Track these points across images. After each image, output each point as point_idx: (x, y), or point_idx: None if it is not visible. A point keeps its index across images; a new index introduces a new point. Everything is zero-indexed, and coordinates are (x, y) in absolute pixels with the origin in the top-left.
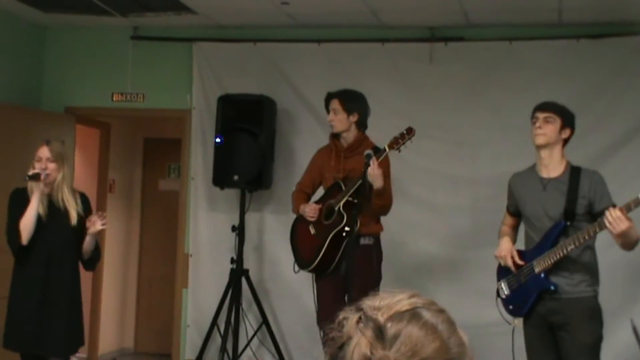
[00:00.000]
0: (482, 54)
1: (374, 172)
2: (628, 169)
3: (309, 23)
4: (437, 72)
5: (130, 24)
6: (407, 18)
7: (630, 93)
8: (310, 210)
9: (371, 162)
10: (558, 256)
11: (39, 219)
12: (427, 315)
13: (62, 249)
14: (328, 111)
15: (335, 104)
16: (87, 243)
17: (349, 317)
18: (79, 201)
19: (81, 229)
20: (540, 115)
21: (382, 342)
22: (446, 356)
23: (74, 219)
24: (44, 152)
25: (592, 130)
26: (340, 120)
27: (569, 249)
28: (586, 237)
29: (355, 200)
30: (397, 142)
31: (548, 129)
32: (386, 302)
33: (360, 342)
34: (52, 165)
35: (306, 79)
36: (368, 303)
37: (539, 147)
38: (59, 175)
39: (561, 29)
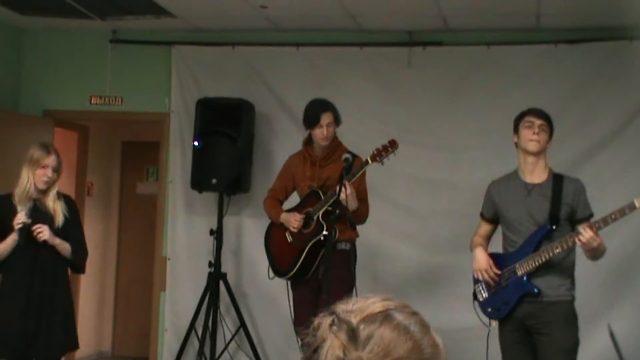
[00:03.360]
0: (461, 58)
1: (347, 197)
2: (605, 173)
3: (288, 27)
4: (416, 76)
5: (109, 27)
6: (385, 22)
7: (608, 98)
8: (295, 220)
9: (342, 187)
10: (543, 259)
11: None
12: (399, 317)
13: (47, 254)
14: (313, 125)
15: (330, 117)
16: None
17: (322, 322)
18: (63, 204)
19: (67, 231)
20: (536, 122)
21: (355, 344)
22: (419, 357)
23: (59, 221)
24: (51, 161)
25: (570, 135)
26: (332, 133)
27: (556, 252)
28: (569, 245)
29: (337, 210)
30: (379, 155)
31: (542, 137)
32: (359, 305)
33: (333, 344)
34: (54, 176)
35: (285, 82)
36: (341, 307)
37: (530, 154)
38: (52, 182)
39: (539, 34)
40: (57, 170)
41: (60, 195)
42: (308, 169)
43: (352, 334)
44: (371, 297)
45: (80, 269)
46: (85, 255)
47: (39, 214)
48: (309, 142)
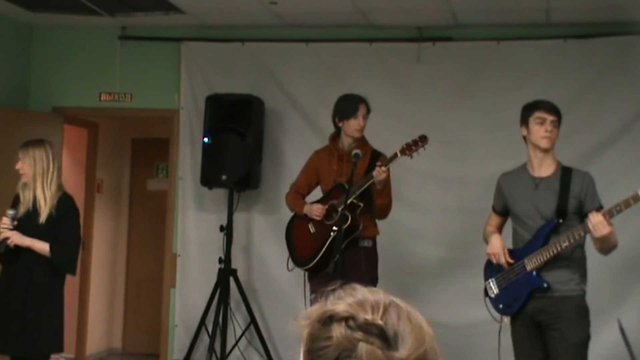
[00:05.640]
0: (470, 54)
1: (380, 175)
2: (614, 169)
3: (297, 23)
4: (425, 72)
5: (118, 24)
6: (394, 18)
7: (617, 93)
8: (318, 209)
9: (377, 166)
10: (551, 253)
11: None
12: (401, 304)
13: (24, 254)
14: (350, 117)
15: (365, 109)
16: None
17: (333, 328)
18: (54, 201)
19: (50, 229)
20: (548, 118)
21: (388, 344)
22: (432, 340)
23: (42, 217)
24: (19, 153)
25: (579, 130)
26: (365, 124)
27: (563, 245)
28: (576, 237)
29: (360, 203)
30: (409, 149)
31: (554, 133)
32: (360, 299)
33: (369, 350)
34: (23, 165)
35: (294, 78)
36: (340, 306)
37: (542, 150)
38: (30, 172)
39: (549, 29)
40: (24, 162)
41: (58, 192)
42: (335, 164)
43: (383, 335)
44: (359, 289)
45: (62, 268)
46: (69, 255)
47: (30, 210)
48: (335, 137)
